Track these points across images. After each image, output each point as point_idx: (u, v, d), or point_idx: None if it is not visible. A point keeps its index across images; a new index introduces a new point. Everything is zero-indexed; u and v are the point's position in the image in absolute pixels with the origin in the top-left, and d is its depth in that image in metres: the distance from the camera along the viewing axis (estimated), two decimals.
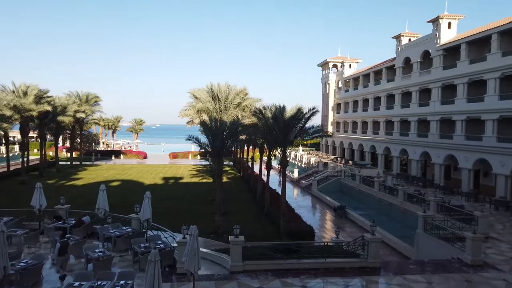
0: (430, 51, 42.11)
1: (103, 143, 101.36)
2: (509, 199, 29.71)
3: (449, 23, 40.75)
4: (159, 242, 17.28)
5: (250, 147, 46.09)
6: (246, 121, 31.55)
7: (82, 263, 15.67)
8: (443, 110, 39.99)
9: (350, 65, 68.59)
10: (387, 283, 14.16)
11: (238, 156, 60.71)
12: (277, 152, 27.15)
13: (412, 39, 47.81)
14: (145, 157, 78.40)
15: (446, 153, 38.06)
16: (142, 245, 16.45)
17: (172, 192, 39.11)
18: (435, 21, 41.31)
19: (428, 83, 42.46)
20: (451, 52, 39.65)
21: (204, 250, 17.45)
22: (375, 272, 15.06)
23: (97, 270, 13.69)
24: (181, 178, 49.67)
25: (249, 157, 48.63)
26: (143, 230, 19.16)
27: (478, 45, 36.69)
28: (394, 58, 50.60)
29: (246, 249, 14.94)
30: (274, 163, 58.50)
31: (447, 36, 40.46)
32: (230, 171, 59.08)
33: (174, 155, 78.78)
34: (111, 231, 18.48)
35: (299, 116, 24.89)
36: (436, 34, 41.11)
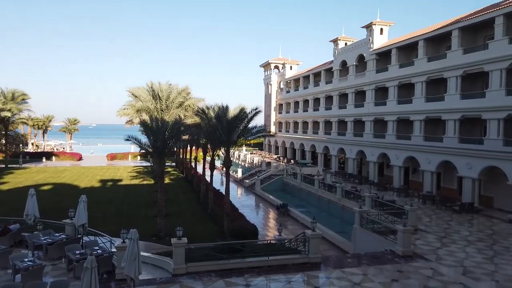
0: (364, 55, 44.55)
1: (33, 144, 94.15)
2: (435, 193, 32.35)
3: (381, 29, 43.42)
4: (96, 248, 16.44)
5: (193, 147, 45.46)
6: (189, 120, 31.12)
7: (9, 274, 14.43)
8: (376, 111, 42.50)
9: (291, 66, 70.42)
10: (327, 277, 14.74)
11: (181, 156, 59.64)
12: (221, 152, 27.12)
13: (348, 43, 50.24)
14: (80, 158, 74.09)
15: (380, 151, 40.51)
16: (77, 252, 15.54)
17: (110, 195, 37.37)
18: (369, 27, 43.79)
19: (363, 85, 44.89)
20: (383, 56, 42.28)
21: (145, 254, 16.91)
22: (316, 267, 15.60)
23: (26, 281, 12.66)
24: (120, 180, 47.64)
25: (192, 157, 47.96)
26: (79, 236, 18.08)
27: (407, 50, 39.53)
28: (332, 61, 52.82)
29: (190, 251, 14.72)
30: (218, 163, 58.28)
31: (379, 41, 43.09)
32: (173, 172, 57.83)
33: (112, 156, 75.33)
34: (42, 238, 17.21)
35: (242, 116, 25.06)
36: (369, 39, 43.58)
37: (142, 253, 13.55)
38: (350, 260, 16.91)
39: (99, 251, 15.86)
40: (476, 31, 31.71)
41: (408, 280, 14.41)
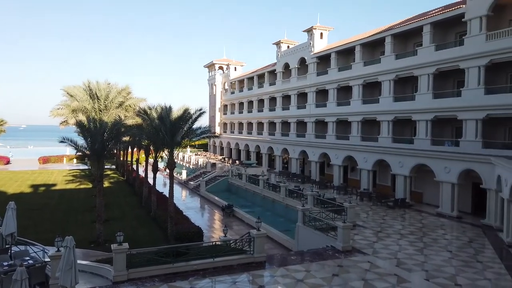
0: (306, 58, 45.98)
1: None
2: (371, 190, 34.24)
3: (321, 34, 45.12)
4: (27, 258, 15.28)
5: (135, 149, 43.88)
6: (130, 121, 30.00)
7: None
8: (317, 112, 44.06)
9: (235, 67, 70.70)
10: (271, 275, 14.99)
11: (121, 158, 57.33)
12: (164, 154, 26.45)
13: (291, 46, 51.56)
14: (8, 162, 68.35)
15: (321, 151, 42.03)
16: (6, 263, 14.34)
17: (43, 201, 34.91)
18: (310, 31, 45.29)
19: (305, 87, 46.31)
20: (324, 60, 43.96)
21: (83, 262, 16.05)
22: (261, 266, 15.80)
23: None
24: (54, 185, 44.67)
25: (134, 159, 46.28)
26: (7, 246, 16.66)
27: (345, 54, 41.45)
28: (275, 63, 53.86)
29: (131, 257, 14.19)
30: (161, 165, 56.86)
31: (319, 45, 44.74)
32: (113, 175, 55.37)
33: (45, 160, 70.43)
34: None
35: (187, 117, 24.68)
36: (310, 43, 45.09)
37: (79, 261, 12.83)
38: (293, 258, 17.33)
39: (30, 261, 14.76)
40: (407, 38, 34.08)
41: (348, 274, 15.10)
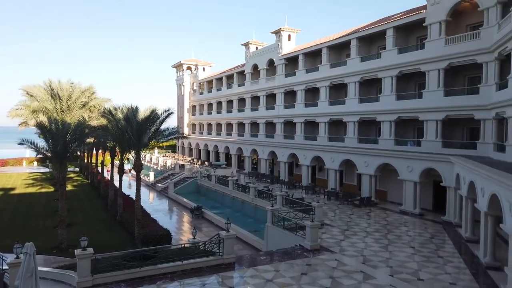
0: (274, 59, 46.37)
1: None
2: (338, 189, 34.98)
3: (289, 35, 45.66)
4: None
5: (100, 151, 42.57)
6: (94, 122, 29.07)
7: None
8: (286, 113, 44.52)
9: (204, 68, 70.22)
10: (241, 276, 14.98)
11: (85, 161, 55.51)
12: (131, 156, 25.84)
13: (259, 47, 51.83)
14: None
15: (289, 152, 42.48)
16: None
17: (1, 206, 33.19)
18: (278, 33, 45.72)
19: (273, 88, 46.68)
20: (292, 61, 44.49)
21: (44, 269, 15.41)
22: (230, 267, 15.76)
23: None
24: (13, 189, 42.59)
25: (99, 161, 44.91)
26: None
27: (313, 56, 42.15)
28: (244, 64, 53.95)
29: (96, 262, 13.75)
30: (128, 167, 55.51)
31: (288, 47, 45.26)
32: (76, 178, 53.49)
33: (2, 162, 67.06)
34: None
35: (154, 117, 24.24)
36: (278, 45, 45.52)
37: (40, 268, 12.30)
38: (263, 258, 17.40)
39: None
40: (371, 41, 35.10)
41: (316, 272, 15.33)
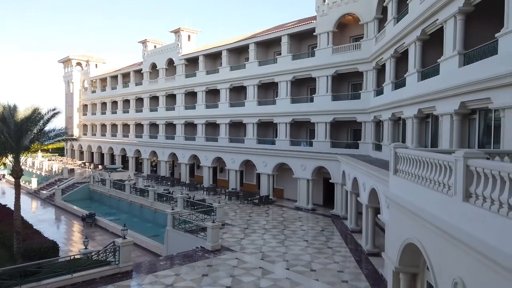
0: (174, 59, 45.43)
1: None
2: (239, 189, 35.78)
3: (189, 36, 45.22)
4: None
5: None
6: None
7: None
8: (187, 114, 43.97)
9: (96, 64, 65.34)
10: (139, 284, 14.35)
11: None
12: (8, 160, 22.77)
13: (158, 45, 50.25)
14: None
15: (191, 153, 42.04)
16: None
17: None
18: (177, 32, 44.92)
19: (173, 89, 45.71)
20: (192, 62, 44.11)
21: None
22: (127, 275, 14.99)
23: None
24: None
25: None
26: None
27: (213, 58, 42.42)
28: (142, 63, 51.74)
29: None
30: (1, 173, 48.77)
31: (188, 47, 44.76)
32: None
33: None
34: None
35: (37, 117, 21.79)
36: (178, 44, 44.74)
37: None
38: (163, 263, 16.93)
39: None
40: (268, 46, 36.74)
41: (217, 272, 15.47)
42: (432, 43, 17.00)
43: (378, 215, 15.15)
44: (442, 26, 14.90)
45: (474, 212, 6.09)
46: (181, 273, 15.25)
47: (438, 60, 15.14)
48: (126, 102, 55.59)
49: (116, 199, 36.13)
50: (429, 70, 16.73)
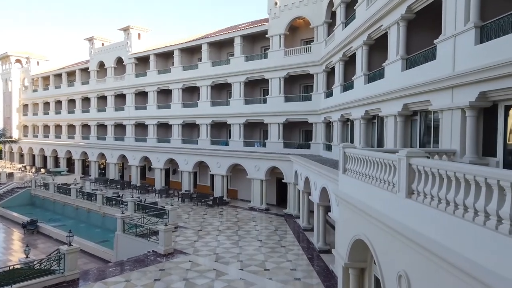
0: (123, 58, 43.89)
1: None
2: (192, 191, 35.32)
3: (139, 34, 43.91)
4: None
5: None
6: None
7: None
8: (137, 115, 42.65)
9: (38, 62, 61.48)
10: None
11: None
12: None
13: (106, 43, 48.30)
14: None
15: (141, 155, 40.83)
16: None
17: None
18: (126, 30, 43.46)
19: (123, 88, 44.14)
20: (142, 61, 42.88)
21: None
22: (74, 284, 14.27)
23: None
24: None
25: None
26: None
27: (165, 57, 41.52)
28: (88, 61, 49.45)
29: None
30: None
31: (138, 46, 43.41)
32: None
33: None
34: None
35: None
36: (127, 43, 43.29)
37: None
38: (112, 269, 16.28)
39: None
40: (221, 47, 36.61)
41: (170, 276, 15.15)
42: (378, 47, 17.84)
43: (329, 213, 15.62)
44: (387, 32, 15.69)
45: (416, 208, 6.48)
46: (132, 279, 14.76)
47: (383, 64, 15.92)
48: (72, 101, 52.85)
49: (61, 204, 34.19)
50: (375, 73, 17.54)
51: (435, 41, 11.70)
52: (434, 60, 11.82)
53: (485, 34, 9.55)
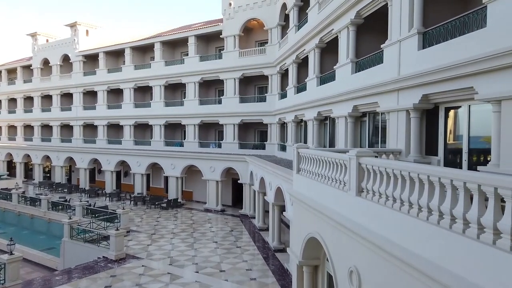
0: (69, 55, 41.77)
1: None
2: (145, 194, 34.34)
3: (87, 31, 42.00)
4: None
5: None
6: None
7: None
8: (86, 115, 40.76)
9: None
10: None
11: None
12: None
13: (51, 40, 45.74)
14: None
15: (90, 157, 39.05)
16: None
17: None
18: (73, 26, 41.40)
19: (70, 87, 42.01)
20: (91, 59, 41.08)
21: None
22: None
23: None
24: None
25: None
26: None
27: (116, 56, 40.04)
28: (31, 58, 46.53)
29: None
30: None
31: (86, 43, 41.47)
32: None
33: None
34: None
35: None
36: (74, 39, 41.25)
37: None
38: (59, 278, 15.43)
39: None
40: (175, 46, 35.94)
41: (122, 282, 14.63)
42: (329, 50, 18.38)
43: (284, 212, 15.85)
44: (337, 36, 16.21)
45: (365, 206, 6.75)
46: (80, 287, 14.07)
47: (334, 67, 16.44)
48: (13, 101, 49.46)
49: (0, 210, 31.86)
50: (326, 76, 18.07)
51: (382, 46, 12.26)
52: (381, 64, 12.37)
53: (427, 40, 10.15)
